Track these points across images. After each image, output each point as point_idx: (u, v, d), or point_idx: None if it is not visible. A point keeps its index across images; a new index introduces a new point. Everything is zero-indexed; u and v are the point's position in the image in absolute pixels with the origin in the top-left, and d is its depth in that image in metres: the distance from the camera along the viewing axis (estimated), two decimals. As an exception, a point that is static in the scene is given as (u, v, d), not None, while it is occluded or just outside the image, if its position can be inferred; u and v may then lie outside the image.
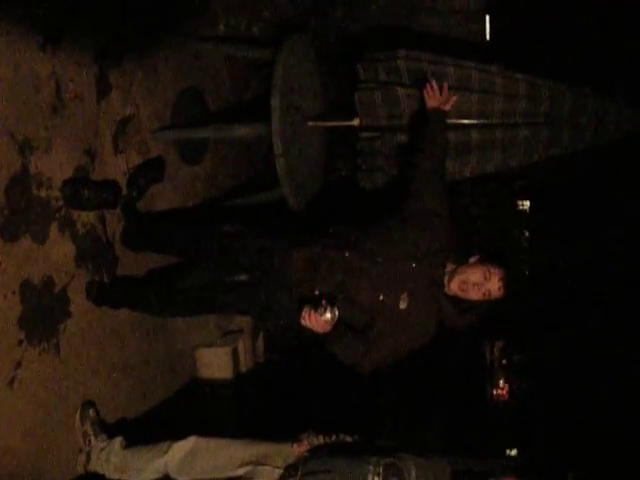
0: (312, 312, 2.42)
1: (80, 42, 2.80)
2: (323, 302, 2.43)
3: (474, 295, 2.49)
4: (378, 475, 2.18)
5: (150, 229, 3.20)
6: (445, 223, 2.71)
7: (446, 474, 2.26)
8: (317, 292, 2.60)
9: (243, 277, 2.97)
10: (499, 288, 2.47)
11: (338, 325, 2.48)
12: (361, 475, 2.20)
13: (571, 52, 4.88)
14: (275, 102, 3.24)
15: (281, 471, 2.37)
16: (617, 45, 4.88)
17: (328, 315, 2.41)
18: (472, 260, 2.55)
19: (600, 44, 4.92)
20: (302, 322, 2.45)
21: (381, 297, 2.55)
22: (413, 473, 2.20)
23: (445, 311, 2.60)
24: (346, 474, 2.22)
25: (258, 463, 2.45)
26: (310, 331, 2.48)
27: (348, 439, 2.49)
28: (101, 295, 2.97)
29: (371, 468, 2.20)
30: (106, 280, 3.03)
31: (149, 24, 3.25)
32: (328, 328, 2.45)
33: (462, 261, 2.57)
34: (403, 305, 2.55)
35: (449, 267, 2.58)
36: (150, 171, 3.29)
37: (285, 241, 2.79)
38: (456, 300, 2.56)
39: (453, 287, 2.53)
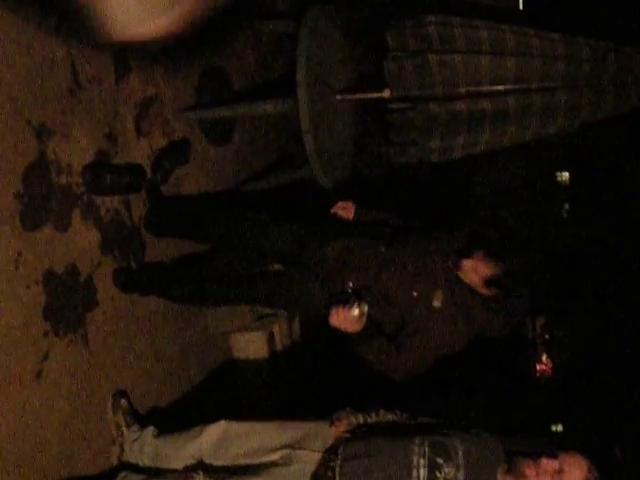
0: (341, 308, 2.33)
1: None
2: (352, 298, 2.35)
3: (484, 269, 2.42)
4: (423, 456, 2.04)
5: (176, 214, 3.12)
6: None
7: (496, 453, 2.12)
8: (350, 284, 2.52)
9: (273, 267, 2.89)
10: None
11: (369, 327, 2.40)
12: (406, 457, 2.06)
13: (610, 15, 4.66)
14: (300, 76, 3.12)
15: (319, 455, 2.24)
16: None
17: (356, 311, 2.32)
18: None
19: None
20: (331, 322, 2.37)
21: (415, 293, 2.46)
22: (460, 452, 2.06)
23: (481, 320, 2.49)
24: (389, 457, 2.09)
25: (295, 447, 2.33)
26: (340, 332, 2.40)
27: (389, 416, 2.36)
28: (129, 282, 2.89)
29: (416, 449, 2.07)
30: (134, 267, 2.96)
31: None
32: (358, 327, 2.37)
33: None
34: (437, 303, 2.45)
35: None
36: (175, 153, 3.20)
37: (318, 232, 2.71)
38: (483, 299, 2.46)
39: (466, 268, 2.45)
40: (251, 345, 3.77)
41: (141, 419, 2.84)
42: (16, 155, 2.32)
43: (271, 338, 3.84)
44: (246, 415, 2.68)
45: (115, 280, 2.85)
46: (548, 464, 1.98)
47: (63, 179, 2.54)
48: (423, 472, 2.02)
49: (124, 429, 2.74)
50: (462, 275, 2.47)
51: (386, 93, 3.34)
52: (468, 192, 4.87)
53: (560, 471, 1.97)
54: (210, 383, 3.48)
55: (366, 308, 2.34)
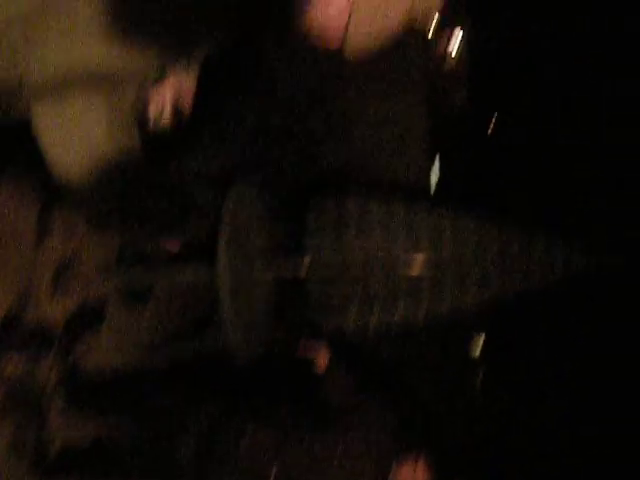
0: None
1: (25, 176, 2.73)
2: None
3: None
4: None
5: (88, 398, 3.06)
6: None
7: None
8: None
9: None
10: None
11: None
12: None
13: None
14: (221, 250, 3.17)
15: None
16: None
17: None
18: None
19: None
20: None
21: None
22: None
23: None
24: None
25: None
26: None
27: None
28: None
29: None
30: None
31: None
32: None
33: None
34: None
35: None
36: (88, 317, 3.15)
37: (234, 415, 2.76)
38: None
39: None
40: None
41: None
42: None
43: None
44: None
45: None
46: None
47: (-32, 337, 2.45)
48: None
49: None
50: None
51: (304, 270, 3.41)
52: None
53: None
54: None
55: None
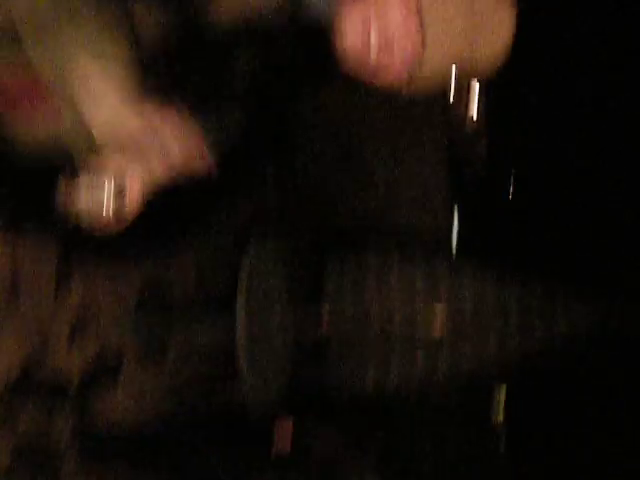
0: None
1: (44, 227, 2.75)
2: None
3: None
4: None
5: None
6: None
7: None
8: None
9: None
10: None
11: None
12: None
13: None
14: (240, 302, 3.19)
15: None
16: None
17: None
18: None
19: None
20: None
21: None
22: None
23: None
24: None
25: None
26: None
27: None
28: None
29: None
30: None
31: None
32: None
33: None
34: None
35: None
36: (104, 371, 3.14)
37: None
38: None
39: None
40: None
41: None
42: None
43: None
44: None
45: None
46: None
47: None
48: None
49: None
50: None
51: (325, 322, 3.39)
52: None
53: None
54: None
55: None
